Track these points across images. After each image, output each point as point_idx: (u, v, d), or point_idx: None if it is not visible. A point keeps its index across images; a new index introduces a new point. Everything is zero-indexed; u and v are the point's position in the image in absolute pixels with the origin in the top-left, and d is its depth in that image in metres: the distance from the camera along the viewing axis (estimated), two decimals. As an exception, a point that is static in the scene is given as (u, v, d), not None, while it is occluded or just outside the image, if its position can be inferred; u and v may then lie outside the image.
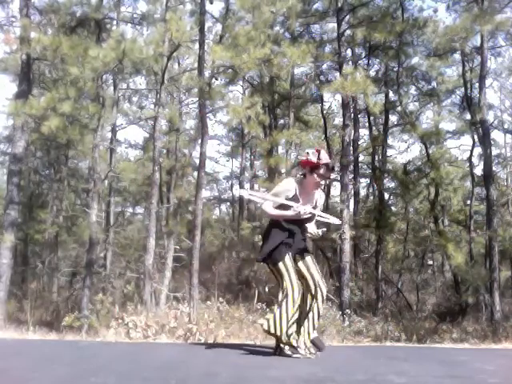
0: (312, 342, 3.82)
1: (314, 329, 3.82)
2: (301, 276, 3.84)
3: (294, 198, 3.80)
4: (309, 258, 3.91)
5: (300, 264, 3.87)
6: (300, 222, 3.87)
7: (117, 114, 15.76)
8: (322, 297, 3.83)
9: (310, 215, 3.80)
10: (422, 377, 3.17)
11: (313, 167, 3.80)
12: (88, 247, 12.92)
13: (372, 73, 15.78)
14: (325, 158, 3.80)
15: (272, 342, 3.96)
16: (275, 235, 3.83)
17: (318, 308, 3.79)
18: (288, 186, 3.87)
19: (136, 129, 39.33)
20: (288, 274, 3.72)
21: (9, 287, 12.05)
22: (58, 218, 17.58)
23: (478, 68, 14.42)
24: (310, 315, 3.79)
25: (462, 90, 16.17)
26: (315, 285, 3.80)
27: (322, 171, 3.80)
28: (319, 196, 3.99)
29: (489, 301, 12.70)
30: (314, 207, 3.91)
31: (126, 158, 22.45)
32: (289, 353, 3.70)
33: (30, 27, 12.03)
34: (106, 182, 16.01)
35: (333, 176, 3.97)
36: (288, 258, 3.76)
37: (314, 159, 3.78)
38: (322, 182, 3.87)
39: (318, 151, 3.80)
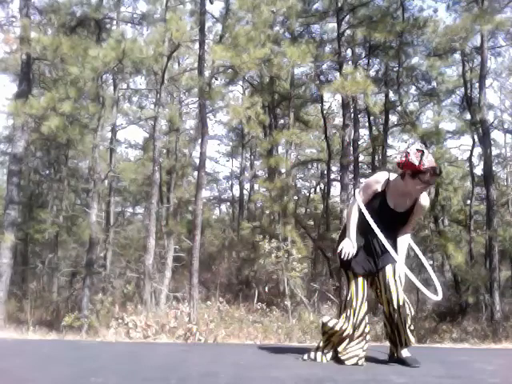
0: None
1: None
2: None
3: (381, 196, 3.42)
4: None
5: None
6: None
7: (117, 114, 15.75)
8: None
9: (346, 257, 3.44)
10: (422, 377, 3.17)
11: (415, 171, 3.27)
12: (88, 247, 12.93)
13: (372, 73, 15.76)
14: (429, 161, 3.29)
15: (271, 342, 3.95)
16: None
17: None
18: (379, 177, 3.45)
19: (136, 129, 39.30)
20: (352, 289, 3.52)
21: (9, 287, 12.07)
22: (58, 218, 17.56)
23: (478, 68, 14.42)
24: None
25: (462, 89, 16.16)
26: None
27: (426, 177, 3.27)
28: (420, 202, 3.47)
29: (489, 301, 12.69)
30: (410, 213, 3.47)
31: (126, 158, 22.45)
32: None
33: (30, 27, 12.04)
34: (106, 181, 16.01)
35: (433, 181, 3.36)
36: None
37: (415, 162, 3.26)
38: (425, 188, 3.36)
39: (421, 152, 3.30)
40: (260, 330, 8.66)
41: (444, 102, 17.75)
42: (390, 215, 3.42)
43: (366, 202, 3.45)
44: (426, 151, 3.34)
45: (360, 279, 3.52)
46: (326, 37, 16.01)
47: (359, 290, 3.50)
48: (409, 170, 3.30)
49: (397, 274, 3.51)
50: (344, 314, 3.49)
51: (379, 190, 3.42)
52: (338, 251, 3.48)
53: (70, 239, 18.38)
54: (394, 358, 3.52)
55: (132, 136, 51.19)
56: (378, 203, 3.43)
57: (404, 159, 3.32)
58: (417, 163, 3.26)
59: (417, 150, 3.34)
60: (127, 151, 27.58)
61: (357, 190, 3.55)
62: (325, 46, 15.46)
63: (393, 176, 3.46)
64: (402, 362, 3.46)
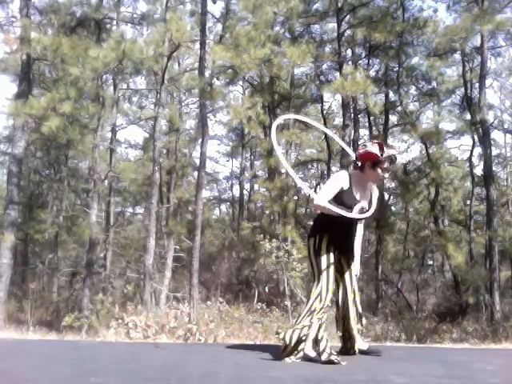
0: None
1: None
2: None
3: (349, 192, 3.56)
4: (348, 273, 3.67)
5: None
6: (351, 221, 3.61)
7: (117, 113, 15.76)
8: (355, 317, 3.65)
9: (364, 216, 3.55)
10: (421, 377, 3.17)
11: (375, 161, 3.54)
12: (88, 247, 12.93)
13: (372, 73, 15.78)
14: (387, 151, 3.55)
15: (271, 342, 3.95)
16: (321, 225, 3.61)
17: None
18: (342, 179, 3.60)
19: (136, 129, 39.34)
20: (327, 274, 3.53)
21: (9, 287, 12.06)
22: (58, 218, 17.58)
23: (478, 68, 14.43)
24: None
25: (462, 89, 16.17)
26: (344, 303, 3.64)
27: (385, 165, 3.57)
28: (374, 190, 3.74)
29: (489, 301, 12.69)
30: (370, 202, 3.68)
31: (126, 158, 22.47)
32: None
33: (30, 27, 12.05)
34: (106, 181, 16.02)
35: (391, 168, 3.74)
36: (331, 256, 3.54)
37: (376, 152, 3.51)
38: (386, 176, 3.66)
39: (380, 144, 3.57)
40: (260, 330, 8.66)
41: (444, 102, 17.78)
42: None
43: (336, 201, 3.54)
44: (381, 142, 3.58)
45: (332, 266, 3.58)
46: (326, 37, 16.04)
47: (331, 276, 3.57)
48: (368, 161, 3.54)
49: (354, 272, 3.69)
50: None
51: (345, 187, 3.56)
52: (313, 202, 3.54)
53: (70, 239, 18.39)
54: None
55: (132, 136, 51.27)
56: (348, 199, 3.55)
57: (363, 151, 3.56)
58: (377, 153, 3.50)
59: (373, 142, 3.59)
60: (127, 151, 27.63)
61: (319, 195, 3.56)
62: (325, 46, 15.47)
63: (351, 172, 3.67)
64: (366, 353, 3.70)
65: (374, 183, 3.71)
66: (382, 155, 3.52)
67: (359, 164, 3.61)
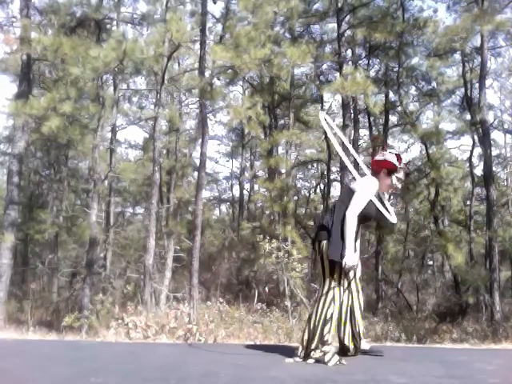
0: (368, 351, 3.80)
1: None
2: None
3: (370, 202, 3.58)
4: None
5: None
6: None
7: (117, 114, 15.75)
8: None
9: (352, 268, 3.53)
10: (421, 377, 3.17)
11: (392, 170, 3.66)
12: (88, 247, 12.92)
13: (372, 73, 15.78)
14: (403, 162, 3.73)
15: (271, 342, 3.95)
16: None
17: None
18: (374, 188, 3.64)
19: (136, 129, 39.36)
20: (338, 278, 3.52)
21: (9, 287, 12.05)
22: (58, 218, 17.57)
23: (478, 68, 14.41)
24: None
25: (462, 90, 16.16)
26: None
27: (401, 175, 3.70)
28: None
29: (489, 301, 12.68)
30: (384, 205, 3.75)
31: (126, 159, 22.47)
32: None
33: (31, 28, 12.05)
34: (106, 182, 16.01)
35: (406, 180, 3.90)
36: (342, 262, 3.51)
37: (395, 162, 3.65)
38: (399, 186, 3.74)
39: (398, 155, 3.69)
40: (260, 330, 8.65)
41: (444, 102, 17.76)
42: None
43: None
44: (400, 154, 3.72)
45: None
46: (326, 37, 16.04)
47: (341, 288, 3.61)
48: (385, 168, 3.66)
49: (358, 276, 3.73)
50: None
51: (371, 197, 3.60)
52: (346, 265, 3.46)
53: (70, 239, 18.37)
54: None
55: (132, 136, 51.32)
56: (370, 209, 3.60)
57: (381, 158, 3.69)
58: (395, 162, 3.64)
59: (390, 152, 3.73)
60: (127, 151, 27.59)
61: (351, 209, 3.52)
62: (325, 47, 15.47)
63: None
64: (368, 353, 3.78)
65: (385, 191, 3.77)
66: (399, 164, 3.66)
67: (374, 170, 3.71)
